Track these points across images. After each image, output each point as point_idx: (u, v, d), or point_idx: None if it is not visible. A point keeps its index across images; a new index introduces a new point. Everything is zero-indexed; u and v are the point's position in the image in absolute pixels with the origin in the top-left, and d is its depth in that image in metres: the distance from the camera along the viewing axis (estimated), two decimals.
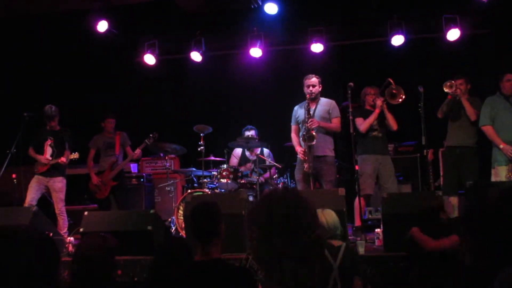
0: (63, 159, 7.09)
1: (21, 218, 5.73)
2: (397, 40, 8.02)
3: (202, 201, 3.39)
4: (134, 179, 8.69)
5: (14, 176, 7.39)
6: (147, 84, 9.55)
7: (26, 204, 6.84)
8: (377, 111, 6.57)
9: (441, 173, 6.79)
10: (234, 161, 7.98)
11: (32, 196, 7.02)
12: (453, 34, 7.86)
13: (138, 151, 7.70)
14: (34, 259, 1.70)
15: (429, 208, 4.91)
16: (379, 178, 6.54)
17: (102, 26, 8.39)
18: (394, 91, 6.47)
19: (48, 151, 7.24)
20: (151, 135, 7.66)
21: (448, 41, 7.92)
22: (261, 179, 7.29)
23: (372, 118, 6.57)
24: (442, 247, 4.15)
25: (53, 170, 7.18)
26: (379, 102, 6.56)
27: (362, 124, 6.60)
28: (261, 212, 1.67)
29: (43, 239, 1.82)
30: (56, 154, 7.20)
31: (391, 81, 6.51)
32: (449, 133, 6.71)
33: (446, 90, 6.47)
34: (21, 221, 5.58)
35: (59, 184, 7.22)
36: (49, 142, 7.26)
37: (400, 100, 6.43)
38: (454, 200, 6.44)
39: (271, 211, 1.65)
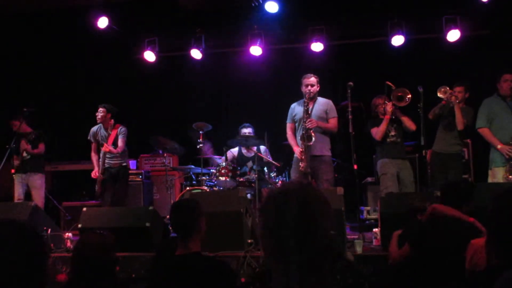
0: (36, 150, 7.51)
1: (20, 213, 5.73)
2: (397, 40, 8.03)
3: (182, 198, 3.53)
4: (132, 176, 8.67)
5: (13, 171, 7.39)
6: (147, 81, 9.55)
7: (15, 201, 6.96)
8: (387, 117, 6.58)
9: (429, 176, 6.83)
10: (230, 159, 7.98)
11: (18, 192, 7.28)
12: (453, 35, 7.88)
13: (105, 145, 7.38)
14: (16, 254, 1.66)
15: (413, 209, 4.91)
16: (399, 182, 6.56)
17: (103, 22, 8.39)
18: (399, 94, 6.48)
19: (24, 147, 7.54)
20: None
21: (448, 41, 7.93)
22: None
23: (384, 125, 6.59)
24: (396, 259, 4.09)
25: (31, 166, 7.37)
26: (388, 108, 6.57)
27: (376, 133, 6.65)
28: (272, 210, 1.58)
29: (26, 233, 1.76)
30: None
31: (390, 83, 6.53)
32: (437, 138, 6.76)
33: (439, 95, 6.49)
34: (20, 216, 5.58)
35: (38, 181, 7.47)
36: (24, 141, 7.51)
37: (408, 100, 6.44)
38: None
39: (282, 210, 1.55)
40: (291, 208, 1.55)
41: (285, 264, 1.54)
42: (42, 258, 1.76)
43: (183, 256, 3.19)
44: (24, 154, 7.44)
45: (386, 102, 6.62)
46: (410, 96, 6.44)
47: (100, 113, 7.40)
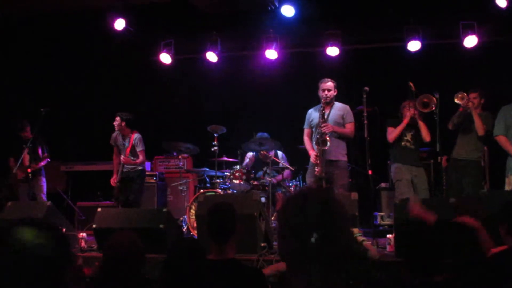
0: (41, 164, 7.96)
1: (36, 212, 5.81)
2: (414, 45, 7.98)
3: (218, 202, 3.42)
4: (147, 178, 8.71)
5: (29, 170, 7.47)
6: (162, 82, 9.60)
7: None
8: (405, 121, 6.54)
9: (444, 182, 6.78)
10: (247, 162, 7.98)
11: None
12: (470, 41, 7.81)
13: (124, 158, 7.61)
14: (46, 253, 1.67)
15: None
16: (413, 189, 6.51)
17: (120, 24, 8.46)
18: (425, 100, 6.44)
19: (26, 157, 7.74)
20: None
21: (465, 47, 7.87)
22: (274, 181, 7.29)
23: (399, 128, 6.56)
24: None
25: (34, 173, 7.77)
26: (406, 112, 6.55)
27: (391, 134, 6.62)
28: (295, 210, 1.61)
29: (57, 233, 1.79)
30: (33, 159, 7.82)
31: (411, 84, 6.49)
32: (457, 145, 6.68)
33: (457, 101, 6.43)
34: (36, 215, 5.64)
35: (43, 185, 7.94)
36: (26, 150, 7.65)
37: (433, 107, 6.39)
38: None
39: (305, 210, 1.58)
40: (313, 207, 1.58)
41: (307, 264, 1.56)
42: (67, 255, 1.77)
43: (219, 262, 3.11)
44: (29, 170, 7.72)
45: (412, 107, 6.58)
46: (436, 103, 6.39)
47: (116, 121, 7.64)
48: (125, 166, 7.58)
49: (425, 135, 6.55)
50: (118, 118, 7.62)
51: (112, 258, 2.91)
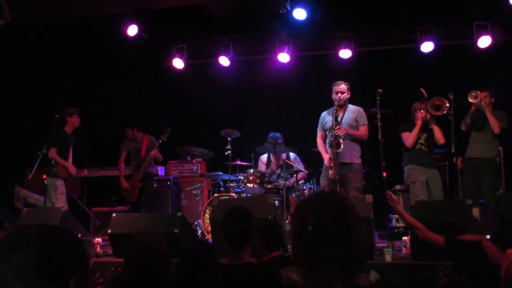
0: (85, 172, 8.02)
1: (51, 219, 5.83)
2: (427, 46, 7.94)
3: (234, 206, 3.39)
4: (161, 182, 8.76)
5: (44, 177, 7.50)
6: (175, 88, 9.63)
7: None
8: (418, 123, 6.49)
9: (460, 184, 6.72)
10: (262, 167, 7.98)
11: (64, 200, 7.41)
12: (484, 41, 7.76)
13: (154, 151, 7.70)
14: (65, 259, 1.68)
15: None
16: (428, 191, 6.46)
17: (132, 30, 8.51)
18: (437, 103, 6.38)
19: (71, 157, 7.66)
20: (164, 131, 7.64)
21: (479, 48, 7.82)
22: (288, 184, 7.27)
23: (415, 131, 6.50)
24: None
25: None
26: (419, 114, 6.50)
27: (408, 139, 6.55)
28: (309, 212, 1.63)
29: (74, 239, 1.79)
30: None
31: (423, 90, 6.44)
32: (471, 144, 6.62)
33: (470, 100, 6.40)
34: (51, 222, 5.66)
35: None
36: (71, 148, 7.65)
37: (445, 110, 6.34)
38: (475, 211, 6.31)
39: (320, 211, 1.61)
40: (329, 209, 1.61)
41: (327, 264, 1.58)
42: (82, 260, 1.77)
43: (236, 266, 3.08)
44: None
45: (423, 108, 6.53)
46: (448, 105, 6.34)
47: (128, 132, 7.88)
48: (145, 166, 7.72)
49: (439, 137, 6.49)
50: (128, 129, 7.88)
51: (135, 262, 2.79)
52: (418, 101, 6.63)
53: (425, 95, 6.44)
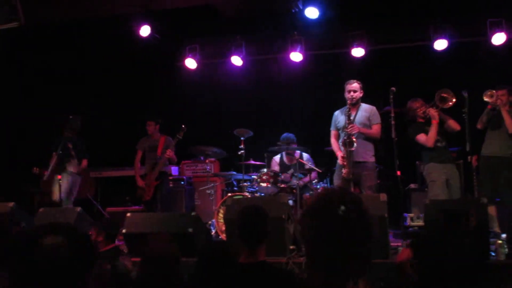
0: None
1: (67, 218, 5.87)
2: (440, 44, 7.91)
3: (249, 205, 3.41)
4: (175, 182, 8.78)
5: (59, 177, 7.56)
6: (188, 87, 9.66)
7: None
8: (434, 121, 6.37)
9: (475, 183, 6.65)
10: (275, 168, 7.97)
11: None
12: (498, 38, 7.70)
13: (169, 151, 7.71)
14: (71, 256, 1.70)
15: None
16: (448, 188, 6.38)
17: (145, 30, 8.55)
18: (443, 95, 6.32)
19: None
20: (180, 129, 7.65)
21: (494, 45, 7.75)
22: (301, 183, 7.27)
23: (434, 131, 6.37)
24: None
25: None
26: (433, 112, 6.38)
27: (428, 140, 6.41)
28: (320, 208, 1.66)
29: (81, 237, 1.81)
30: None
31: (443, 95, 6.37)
32: (486, 142, 6.53)
33: (486, 99, 6.33)
34: (66, 221, 5.69)
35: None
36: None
37: (451, 103, 6.28)
38: (492, 209, 6.25)
39: (330, 208, 1.64)
40: (339, 205, 1.64)
41: (340, 264, 1.61)
42: (91, 259, 1.79)
43: (251, 264, 3.11)
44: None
45: (425, 105, 6.48)
46: (455, 100, 6.28)
47: (150, 125, 7.91)
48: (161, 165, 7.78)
49: (454, 126, 6.40)
50: (152, 123, 7.90)
51: (150, 260, 2.94)
52: (412, 100, 6.59)
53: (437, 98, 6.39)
